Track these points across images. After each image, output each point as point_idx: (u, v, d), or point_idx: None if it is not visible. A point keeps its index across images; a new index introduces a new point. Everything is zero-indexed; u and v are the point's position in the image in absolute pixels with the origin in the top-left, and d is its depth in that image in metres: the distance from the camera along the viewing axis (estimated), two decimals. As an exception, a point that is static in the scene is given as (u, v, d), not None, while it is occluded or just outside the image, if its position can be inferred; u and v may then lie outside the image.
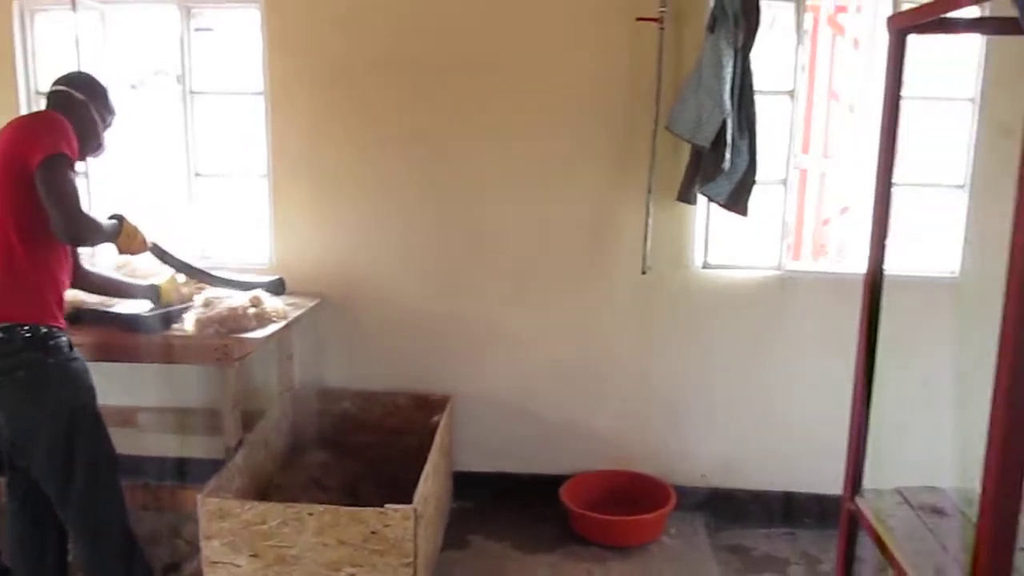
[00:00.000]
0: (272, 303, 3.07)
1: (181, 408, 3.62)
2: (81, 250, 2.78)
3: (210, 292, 3.02)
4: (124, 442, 2.70)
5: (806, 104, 4.97)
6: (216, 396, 3.30)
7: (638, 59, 3.31)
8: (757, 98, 3.16)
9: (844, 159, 5.54)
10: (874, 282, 2.10)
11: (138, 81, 4.19)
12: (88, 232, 2.43)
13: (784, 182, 3.44)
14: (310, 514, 2.54)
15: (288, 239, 3.58)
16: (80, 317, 2.83)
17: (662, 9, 3.21)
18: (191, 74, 3.56)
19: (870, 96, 5.16)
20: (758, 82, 3.15)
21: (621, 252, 3.47)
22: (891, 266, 2.11)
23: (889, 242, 2.10)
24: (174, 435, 3.60)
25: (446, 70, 3.40)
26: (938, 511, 2.08)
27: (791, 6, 3.34)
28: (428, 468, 2.83)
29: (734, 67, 3.05)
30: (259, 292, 3.08)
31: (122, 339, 2.80)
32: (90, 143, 2.58)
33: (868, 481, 2.20)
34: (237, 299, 2.95)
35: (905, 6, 3.13)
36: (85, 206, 2.39)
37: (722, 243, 3.57)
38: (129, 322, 2.82)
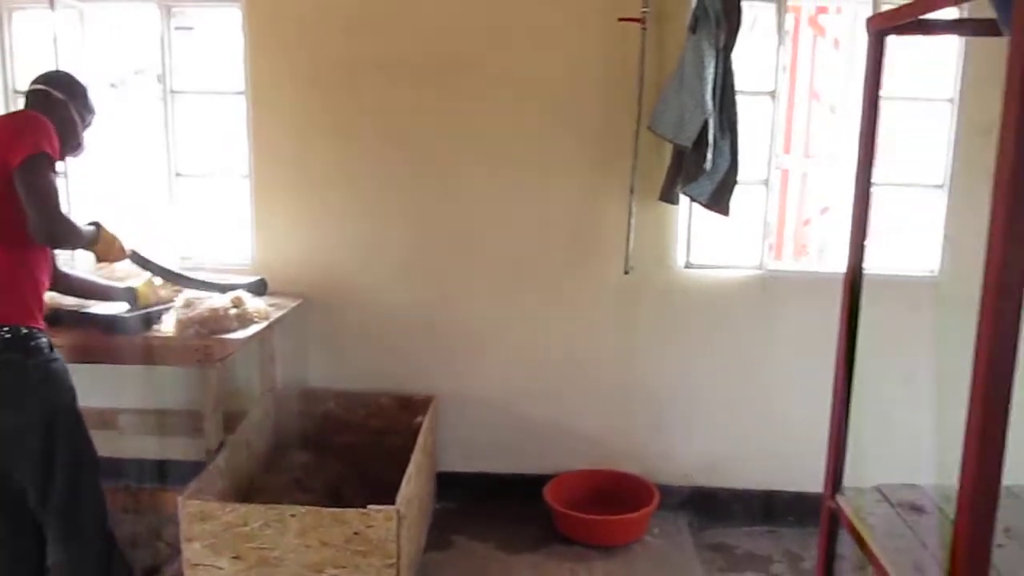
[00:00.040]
0: (254, 303, 3.05)
1: (162, 410, 3.60)
2: (61, 253, 2.75)
3: (191, 293, 3.00)
4: (104, 444, 2.67)
5: (787, 104, 4.98)
6: (197, 397, 3.28)
7: (620, 59, 3.32)
8: (739, 98, 3.17)
9: (825, 159, 5.56)
10: (854, 281, 2.11)
11: (118, 80, 4.15)
12: (66, 234, 2.40)
13: (766, 182, 3.46)
14: (292, 515, 2.54)
15: (270, 239, 3.56)
16: (59, 318, 2.80)
17: (644, 10, 3.22)
18: (172, 73, 3.54)
19: (851, 96, 5.18)
20: (740, 82, 3.17)
21: (604, 252, 3.48)
22: (871, 265, 2.12)
23: (869, 242, 2.11)
24: (155, 437, 3.58)
25: (429, 70, 3.40)
26: (917, 508, 2.10)
27: (772, 7, 3.36)
28: (411, 469, 2.82)
29: (716, 67, 3.06)
30: (241, 292, 3.06)
31: (102, 340, 2.78)
32: (69, 143, 2.55)
33: (850, 479, 2.22)
34: (218, 300, 2.93)
35: (885, 7, 3.15)
36: (64, 208, 2.37)
37: (704, 243, 3.58)
38: (109, 323, 2.80)
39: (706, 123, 3.03)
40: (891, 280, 3.40)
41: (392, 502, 2.56)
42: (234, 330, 2.86)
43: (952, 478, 1.42)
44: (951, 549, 1.42)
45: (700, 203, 3.22)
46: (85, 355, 2.76)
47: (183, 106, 3.59)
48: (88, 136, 2.66)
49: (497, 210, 3.50)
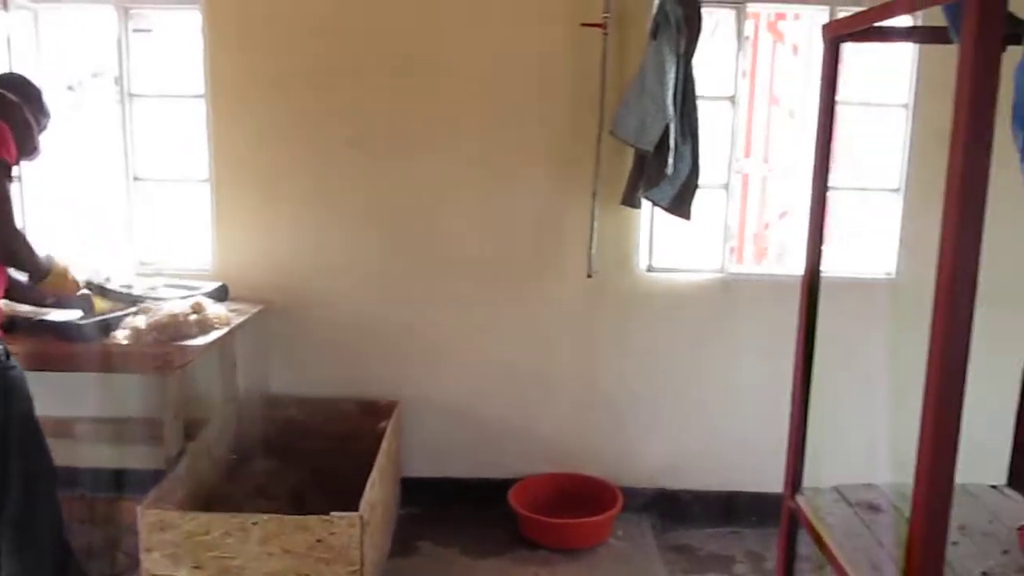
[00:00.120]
0: (214, 309, 3.01)
1: (120, 418, 3.52)
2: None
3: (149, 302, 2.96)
4: (61, 453, 2.62)
5: (747, 109, 5.05)
6: (157, 405, 3.22)
7: (582, 64, 3.34)
8: (699, 103, 3.21)
9: (784, 164, 5.63)
10: (811, 284, 2.14)
11: (75, 83, 4.09)
12: (17, 245, 2.35)
13: (726, 187, 3.49)
14: (254, 523, 2.50)
15: (231, 244, 3.52)
16: (15, 325, 2.75)
17: (606, 15, 3.24)
18: (129, 76, 3.49)
19: (809, 102, 5.26)
20: (700, 87, 3.20)
21: (566, 256, 3.49)
22: (830, 268, 2.16)
23: (826, 245, 2.15)
24: (113, 445, 3.51)
25: (391, 74, 3.39)
26: (874, 507, 2.13)
27: (732, 13, 3.40)
28: (374, 474, 2.80)
29: (676, 73, 3.09)
30: (201, 298, 3.02)
31: (59, 348, 2.73)
32: (25, 146, 2.50)
33: (809, 479, 2.25)
34: (178, 306, 2.89)
35: (841, 14, 3.20)
36: (19, 221, 2.32)
37: (666, 247, 3.61)
38: (65, 330, 2.75)
39: (667, 128, 3.06)
40: (849, 282, 3.45)
41: (355, 508, 2.55)
42: (194, 336, 2.83)
43: (909, 477, 1.44)
44: (907, 547, 1.44)
45: (662, 207, 3.25)
46: (42, 363, 2.71)
47: (141, 109, 3.54)
48: (44, 140, 2.61)
49: (460, 215, 3.50)
